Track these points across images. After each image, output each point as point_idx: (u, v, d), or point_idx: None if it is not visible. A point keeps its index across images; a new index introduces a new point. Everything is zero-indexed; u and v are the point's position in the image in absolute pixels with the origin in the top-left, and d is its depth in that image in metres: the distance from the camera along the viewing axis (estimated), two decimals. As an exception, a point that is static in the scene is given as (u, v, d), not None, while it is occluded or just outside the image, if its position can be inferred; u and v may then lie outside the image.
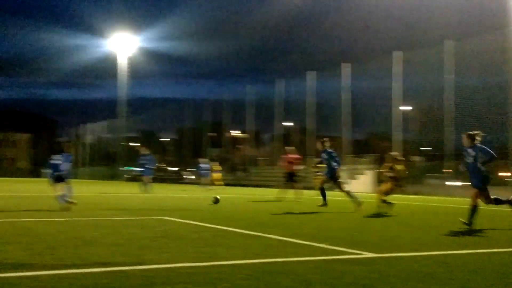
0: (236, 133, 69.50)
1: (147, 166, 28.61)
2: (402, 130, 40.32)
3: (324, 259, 6.87)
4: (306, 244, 8.28)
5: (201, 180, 35.44)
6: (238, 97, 60.55)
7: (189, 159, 64.90)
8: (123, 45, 70.17)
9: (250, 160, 61.92)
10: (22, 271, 5.56)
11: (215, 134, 68.50)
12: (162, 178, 59.61)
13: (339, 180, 17.02)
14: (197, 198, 22.84)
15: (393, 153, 18.01)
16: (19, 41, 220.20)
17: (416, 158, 44.85)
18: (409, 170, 30.10)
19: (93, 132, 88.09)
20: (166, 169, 71.82)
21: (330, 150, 16.93)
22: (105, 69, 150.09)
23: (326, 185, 17.47)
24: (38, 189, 27.84)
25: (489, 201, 11.44)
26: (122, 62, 70.39)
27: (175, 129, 77.96)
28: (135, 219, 12.12)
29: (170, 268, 6.02)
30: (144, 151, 30.05)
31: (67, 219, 11.64)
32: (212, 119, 66.61)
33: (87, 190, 28.16)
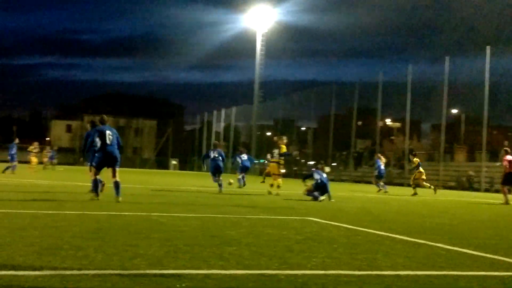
0: (390, 122, 68.24)
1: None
2: None
3: (504, 275, 6.62)
4: (479, 256, 8.04)
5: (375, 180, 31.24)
6: (395, 79, 58.94)
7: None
8: (260, 20, 70.64)
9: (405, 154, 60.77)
10: (159, 269, 5.87)
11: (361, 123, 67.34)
12: (297, 173, 59.71)
13: None
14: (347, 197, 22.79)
15: None
16: (148, 19, 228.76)
17: None
18: None
19: (224, 119, 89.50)
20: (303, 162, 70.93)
21: None
22: (238, 48, 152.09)
23: None
24: (167, 182, 29.04)
25: None
26: (259, 40, 71.10)
27: (317, 117, 77.71)
28: (273, 218, 12.32)
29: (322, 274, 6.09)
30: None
31: (203, 215, 12.10)
32: (362, 105, 64.52)
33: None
